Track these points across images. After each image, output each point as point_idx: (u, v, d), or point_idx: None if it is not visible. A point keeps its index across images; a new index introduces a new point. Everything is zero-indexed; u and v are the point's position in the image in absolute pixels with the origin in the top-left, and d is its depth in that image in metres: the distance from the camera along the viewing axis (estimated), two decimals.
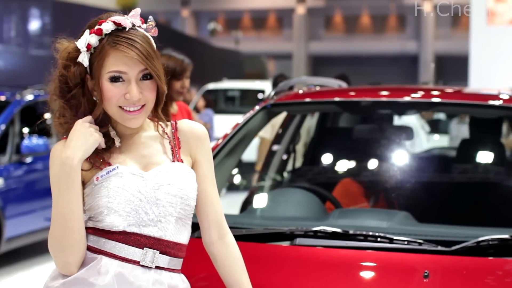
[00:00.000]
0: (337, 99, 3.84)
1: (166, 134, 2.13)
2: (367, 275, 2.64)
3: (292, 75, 33.70)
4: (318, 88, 4.43)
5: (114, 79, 1.98)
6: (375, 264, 2.65)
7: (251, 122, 3.71)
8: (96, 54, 1.98)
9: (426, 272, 2.49)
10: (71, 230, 1.95)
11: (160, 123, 2.13)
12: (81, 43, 1.99)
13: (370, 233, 2.77)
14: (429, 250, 2.67)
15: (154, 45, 2.04)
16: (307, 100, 3.91)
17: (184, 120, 2.19)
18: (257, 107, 3.79)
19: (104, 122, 2.05)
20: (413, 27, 39.48)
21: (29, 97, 7.43)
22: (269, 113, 3.84)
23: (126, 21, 1.99)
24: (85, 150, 1.97)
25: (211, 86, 15.83)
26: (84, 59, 1.99)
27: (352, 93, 3.96)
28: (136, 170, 2.02)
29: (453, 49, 34.70)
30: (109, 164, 2.02)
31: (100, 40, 1.98)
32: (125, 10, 2.06)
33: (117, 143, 2.06)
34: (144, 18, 2.05)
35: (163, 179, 2.03)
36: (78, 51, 2.00)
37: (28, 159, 7.13)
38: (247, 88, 16.09)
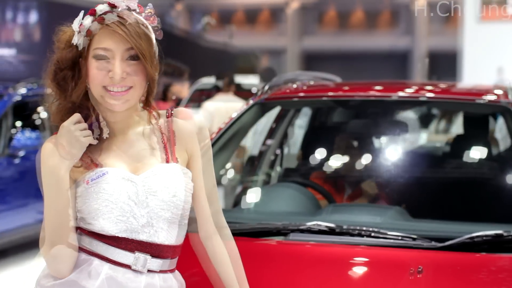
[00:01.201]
0: (331, 94, 3.83)
1: (160, 127, 2.05)
2: (360, 270, 2.64)
3: (286, 70, 33.62)
4: (312, 83, 4.41)
5: (99, 57, 1.94)
6: (368, 260, 2.65)
7: (245, 117, 3.70)
8: (87, 34, 1.95)
9: (419, 268, 2.49)
10: (60, 240, 1.92)
11: (153, 113, 2.06)
12: (75, 25, 1.96)
13: (364, 229, 2.76)
14: (423, 246, 2.67)
15: (152, 33, 1.98)
16: (301, 95, 3.90)
17: (180, 110, 2.10)
18: (251, 102, 3.78)
19: (94, 112, 1.99)
20: (406, 23, 39.49)
21: (22, 91, 7.39)
22: (262, 108, 3.83)
23: (121, 2, 1.95)
24: (72, 157, 1.91)
25: (205, 80, 15.81)
26: (75, 38, 1.96)
27: (346, 88, 3.96)
28: (126, 174, 1.96)
29: (445, 45, 34.72)
30: (99, 165, 1.97)
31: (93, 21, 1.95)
32: None
33: (105, 134, 1.99)
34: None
35: (155, 184, 1.96)
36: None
37: (21, 153, 7.10)
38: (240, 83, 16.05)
